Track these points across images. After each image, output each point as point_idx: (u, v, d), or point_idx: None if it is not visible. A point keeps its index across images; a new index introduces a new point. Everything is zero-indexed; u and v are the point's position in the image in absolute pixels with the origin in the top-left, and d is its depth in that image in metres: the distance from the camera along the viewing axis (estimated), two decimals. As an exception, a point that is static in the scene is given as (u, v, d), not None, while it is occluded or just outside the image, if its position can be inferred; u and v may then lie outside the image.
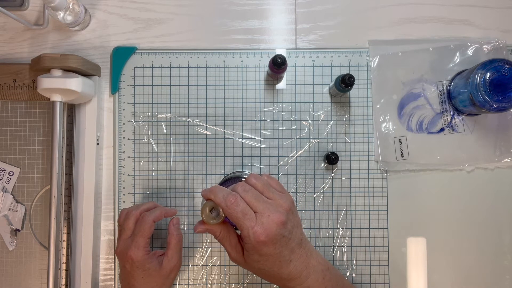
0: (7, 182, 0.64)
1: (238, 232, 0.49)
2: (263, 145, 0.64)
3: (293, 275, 0.49)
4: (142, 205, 0.58)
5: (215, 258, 0.63)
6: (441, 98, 0.64)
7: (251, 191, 0.48)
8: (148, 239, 0.55)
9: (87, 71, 0.60)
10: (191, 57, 0.64)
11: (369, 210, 0.63)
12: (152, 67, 0.64)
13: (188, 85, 0.64)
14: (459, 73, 0.63)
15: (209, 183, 0.64)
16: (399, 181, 0.64)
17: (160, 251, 0.57)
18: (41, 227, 0.64)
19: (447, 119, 0.64)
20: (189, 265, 0.63)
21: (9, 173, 0.64)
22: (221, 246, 0.63)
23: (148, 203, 0.59)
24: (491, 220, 0.63)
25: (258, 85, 0.64)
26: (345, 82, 0.57)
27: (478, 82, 0.56)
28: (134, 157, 0.64)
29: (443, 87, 0.64)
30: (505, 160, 0.63)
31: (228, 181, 0.55)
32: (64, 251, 0.61)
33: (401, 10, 0.65)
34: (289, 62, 0.64)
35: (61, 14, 0.58)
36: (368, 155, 0.64)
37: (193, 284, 0.63)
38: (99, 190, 0.64)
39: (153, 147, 0.64)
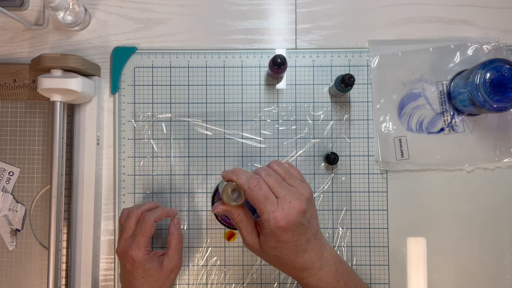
0: (7, 182, 0.64)
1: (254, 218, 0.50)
2: (263, 145, 0.64)
3: (307, 265, 0.49)
4: (143, 205, 0.58)
5: (215, 258, 0.63)
6: (441, 98, 0.64)
7: (274, 175, 0.48)
8: (149, 239, 0.55)
9: (87, 71, 0.60)
10: (191, 57, 0.64)
11: (369, 210, 0.63)
12: (152, 67, 0.64)
13: (188, 85, 0.64)
14: (459, 73, 0.63)
15: (209, 183, 0.64)
16: (399, 181, 0.64)
17: (160, 251, 0.57)
18: (41, 227, 0.64)
19: (447, 119, 0.64)
20: (189, 265, 0.63)
21: (9, 173, 0.64)
22: (221, 246, 0.63)
23: (150, 203, 0.59)
24: (491, 220, 0.63)
25: (258, 85, 0.64)
26: (345, 82, 0.57)
27: (478, 82, 0.56)
28: (134, 157, 0.64)
29: (443, 87, 0.64)
30: (505, 160, 0.63)
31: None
32: (64, 251, 0.61)
33: (401, 10, 0.65)
34: (289, 62, 0.64)
35: (61, 14, 0.58)
36: (368, 155, 0.64)
37: (193, 284, 0.63)
38: (99, 190, 0.64)
39: (153, 147, 0.64)
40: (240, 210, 0.49)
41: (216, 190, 0.55)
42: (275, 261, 0.50)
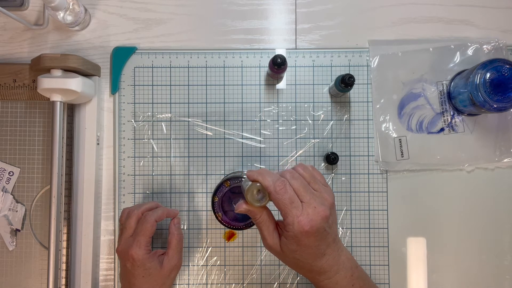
0: (7, 182, 0.64)
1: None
2: (263, 145, 0.64)
3: (324, 269, 0.49)
4: (144, 204, 0.58)
5: (215, 258, 0.63)
6: (441, 98, 0.64)
7: (299, 179, 0.48)
8: (150, 239, 0.55)
9: (87, 71, 0.60)
10: (191, 57, 0.64)
11: (369, 210, 0.63)
12: (152, 67, 0.64)
13: (188, 85, 0.64)
14: (459, 73, 0.63)
15: (209, 183, 0.64)
16: (399, 181, 0.64)
17: (161, 251, 0.57)
18: (41, 227, 0.64)
19: (447, 119, 0.64)
20: (189, 265, 0.63)
21: (9, 173, 0.64)
22: (221, 246, 0.63)
23: (150, 202, 0.59)
24: (491, 220, 0.63)
25: (258, 85, 0.64)
26: (345, 82, 0.57)
27: (478, 82, 0.56)
28: (134, 157, 0.64)
29: (443, 87, 0.64)
30: (505, 160, 0.63)
31: (230, 180, 0.54)
32: (64, 251, 0.61)
33: (401, 10, 0.65)
34: (289, 62, 0.64)
35: (61, 14, 0.58)
36: (368, 155, 0.64)
37: (193, 284, 0.63)
38: (99, 190, 0.64)
39: (153, 147, 0.64)
40: (263, 210, 0.49)
41: (217, 190, 0.55)
42: (293, 263, 0.50)
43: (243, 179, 0.52)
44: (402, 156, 0.63)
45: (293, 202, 0.46)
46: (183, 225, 0.64)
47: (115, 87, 0.64)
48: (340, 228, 0.63)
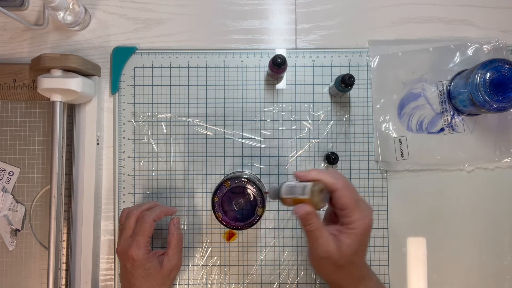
0: (7, 182, 0.64)
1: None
2: (263, 145, 0.64)
3: (364, 275, 0.52)
4: (143, 204, 0.58)
5: (215, 258, 0.63)
6: (441, 98, 0.64)
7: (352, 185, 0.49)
8: (149, 238, 0.55)
9: (87, 71, 0.60)
10: (191, 57, 0.64)
11: (369, 210, 0.63)
12: (152, 67, 0.64)
13: (188, 85, 0.64)
14: (459, 73, 0.63)
15: (209, 183, 0.64)
16: (399, 181, 0.64)
17: (160, 251, 0.57)
18: (41, 227, 0.64)
19: (447, 119, 0.64)
20: (189, 265, 0.63)
21: (9, 173, 0.64)
22: (221, 246, 0.63)
23: (149, 202, 0.59)
24: (491, 220, 0.63)
25: (258, 85, 0.64)
26: (345, 82, 0.57)
27: (478, 82, 0.56)
28: (134, 157, 0.64)
29: (443, 87, 0.64)
30: (505, 160, 0.63)
31: (230, 180, 0.54)
32: (64, 251, 0.61)
33: (401, 10, 0.65)
34: (289, 62, 0.64)
35: (61, 14, 0.58)
36: (368, 155, 0.64)
37: (193, 284, 0.63)
38: (99, 190, 0.64)
39: (153, 147, 0.64)
40: (317, 215, 0.48)
41: (217, 190, 0.55)
42: (345, 270, 0.49)
43: (287, 183, 0.49)
44: (402, 156, 0.63)
45: (359, 200, 0.47)
46: (183, 225, 0.64)
47: (115, 87, 0.64)
48: (340, 228, 0.63)
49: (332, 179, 0.47)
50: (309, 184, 0.47)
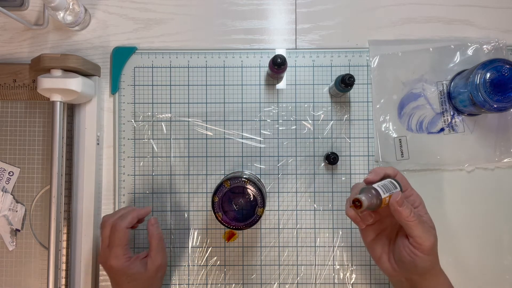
0: (7, 182, 0.64)
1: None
2: (263, 145, 0.64)
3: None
4: (118, 211, 0.57)
5: (215, 258, 0.63)
6: (441, 98, 0.64)
7: None
8: (126, 246, 0.54)
9: (87, 71, 0.60)
10: (191, 57, 0.64)
11: (369, 210, 0.63)
12: (152, 67, 0.64)
13: (188, 85, 0.64)
14: (459, 73, 0.63)
15: (209, 183, 0.64)
16: (399, 181, 0.63)
17: (143, 253, 0.56)
18: (41, 227, 0.64)
19: (447, 119, 0.64)
20: (189, 265, 0.63)
21: (9, 173, 0.64)
22: (221, 246, 0.63)
23: (124, 208, 0.58)
24: (491, 220, 0.63)
25: (258, 85, 0.64)
26: (345, 82, 0.57)
27: (478, 82, 0.56)
28: (134, 157, 0.64)
29: (443, 87, 0.64)
30: (505, 160, 0.63)
31: (230, 180, 0.54)
32: (64, 251, 0.61)
33: (401, 10, 0.65)
34: (289, 62, 0.64)
35: (61, 14, 0.58)
36: (368, 155, 0.64)
37: (193, 284, 0.63)
38: (99, 190, 0.64)
39: (153, 147, 0.64)
40: None
41: (217, 190, 0.54)
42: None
43: (367, 186, 0.47)
44: (402, 156, 0.63)
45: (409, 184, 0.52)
46: (183, 225, 0.64)
47: (115, 87, 0.64)
48: (340, 228, 0.63)
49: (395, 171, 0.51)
50: (386, 180, 0.48)
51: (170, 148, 0.64)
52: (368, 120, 0.64)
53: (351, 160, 0.64)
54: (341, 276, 0.63)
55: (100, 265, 0.54)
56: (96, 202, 0.63)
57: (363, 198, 0.44)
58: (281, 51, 0.64)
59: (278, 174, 0.64)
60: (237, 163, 0.64)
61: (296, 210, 0.63)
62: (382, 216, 0.51)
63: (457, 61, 0.64)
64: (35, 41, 0.65)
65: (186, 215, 0.64)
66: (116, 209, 0.63)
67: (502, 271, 0.63)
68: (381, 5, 0.65)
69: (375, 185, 0.47)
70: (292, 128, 0.64)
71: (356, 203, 0.44)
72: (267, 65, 0.62)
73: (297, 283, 0.63)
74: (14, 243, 0.63)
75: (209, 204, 0.63)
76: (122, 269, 0.53)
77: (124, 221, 0.54)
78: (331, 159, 0.61)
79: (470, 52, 0.64)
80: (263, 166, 0.64)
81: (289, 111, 0.64)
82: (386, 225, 0.52)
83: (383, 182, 0.48)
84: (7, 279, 0.63)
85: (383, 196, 0.45)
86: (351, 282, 0.63)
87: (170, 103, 0.64)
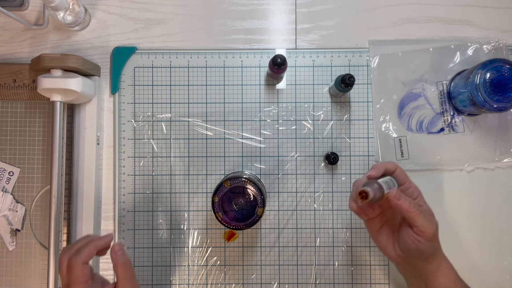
0: (7, 182, 0.64)
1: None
2: (263, 145, 0.64)
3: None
4: (76, 243, 0.50)
5: (215, 258, 0.63)
6: (441, 98, 0.64)
7: None
8: (86, 283, 0.48)
9: (87, 71, 0.60)
10: (191, 57, 0.64)
11: (369, 210, 0.63)
12: (152, 67, 0.64)
13: (188, 85, 0.64)
14: (459, 73, 0.63)
15: (209, 183, 0.64)
16: (399, 181, 0.63)
17: (109, 286, 0.50)
18: (41, 227, 0.64)
19: (447, 119, 0.64)
20: (189, 265, 0.63)
21: (9, 173, 0.64)
22: (221, 246, 0.63)
23: (83, 238, 0.51)
24: (491, 220, 0.63)
25: (258, 85, 0.64)
26: (345, 82, 0.57)
27: (478, 82, 0.56)
28: (134, 157, 0.64)
29: (443, 87, 0.64)
30: (505, 160, 0.63)
31: (230, 180, 0.54)
32: (64, 251, 0.61)
33: (401, 10, 0.65)
34: (289, 62, 0.64)
35: (61, 14, 0.58)
36: (368, 155, 0.64)
37: (193, 284, 0.63)
38: (99, 190, 0.64)
39: (153, 147, 0.64)
40: None
41: (217, 190, 0.55)
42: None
43: (370, 181, 0.50)
44: (402, 156, 0.63)
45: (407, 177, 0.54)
46: (183, 225, 0.64)
47: (115, 87, 0.64)
48: (341, 228, 0.63)
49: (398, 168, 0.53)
50: (386, 177, 0.51)
51: (170, 148, 0.64)
52: (368, 120, 0.64)
53: (351, 160, 0.64)
54: (341, 276, 0.63)
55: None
56: (96, 202, 0.63)
57: (368, 189, 0.48)
58: (281, 51, 0.64)
59: (278, 174, 0.64)
60: (237, 163, 0.64)
61: (296, 210, 0.63)
62: (384, 208, 0.54)
63: (457, 61, 0.64)
64: (35, 41, 0.65)
65: (186, 215, 0.64)
66: (116, 209, 0.63)
67: (502, 271, 0.63)
68: (381, 5, 0.65)
69: (373, 181, 0.50)
70: (292, 128, 0.64)
71: (362, 194, 0.49)
72: (267, 65, 0.62)
73: (297, 283, 0.63)
74: (14, 243, 0.63)
75: (209, 204, 0.63)
76: None
77: (79, 256, 0.47)
78: (331, 159, 0.61)
79: (470, 52, 0.64)
80: (263, 166, 0.64)
81: (289, 111, 0.64)
82: (388, 216, 0.54)
83: (383, 179, 0.51)
84: (7, 279, 0.63)
85: (386, 191, 0.50)
86: (351, 282, 0.63)
87: (170, 103, 0.64)
